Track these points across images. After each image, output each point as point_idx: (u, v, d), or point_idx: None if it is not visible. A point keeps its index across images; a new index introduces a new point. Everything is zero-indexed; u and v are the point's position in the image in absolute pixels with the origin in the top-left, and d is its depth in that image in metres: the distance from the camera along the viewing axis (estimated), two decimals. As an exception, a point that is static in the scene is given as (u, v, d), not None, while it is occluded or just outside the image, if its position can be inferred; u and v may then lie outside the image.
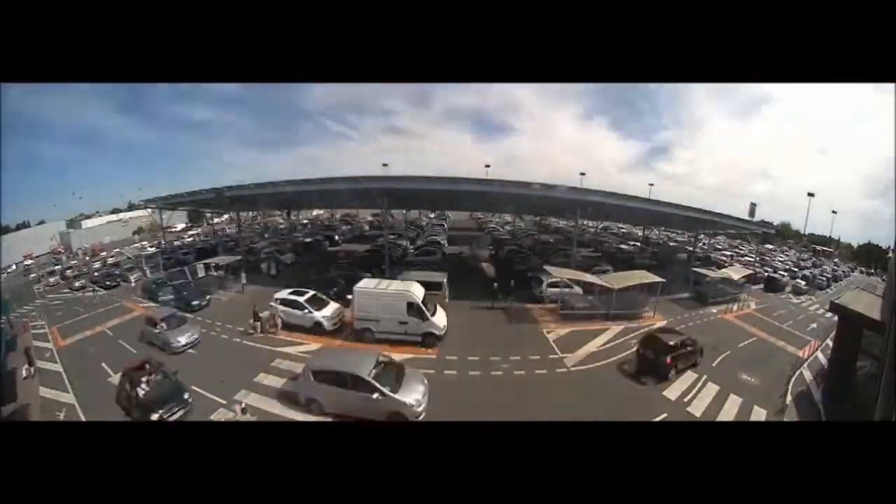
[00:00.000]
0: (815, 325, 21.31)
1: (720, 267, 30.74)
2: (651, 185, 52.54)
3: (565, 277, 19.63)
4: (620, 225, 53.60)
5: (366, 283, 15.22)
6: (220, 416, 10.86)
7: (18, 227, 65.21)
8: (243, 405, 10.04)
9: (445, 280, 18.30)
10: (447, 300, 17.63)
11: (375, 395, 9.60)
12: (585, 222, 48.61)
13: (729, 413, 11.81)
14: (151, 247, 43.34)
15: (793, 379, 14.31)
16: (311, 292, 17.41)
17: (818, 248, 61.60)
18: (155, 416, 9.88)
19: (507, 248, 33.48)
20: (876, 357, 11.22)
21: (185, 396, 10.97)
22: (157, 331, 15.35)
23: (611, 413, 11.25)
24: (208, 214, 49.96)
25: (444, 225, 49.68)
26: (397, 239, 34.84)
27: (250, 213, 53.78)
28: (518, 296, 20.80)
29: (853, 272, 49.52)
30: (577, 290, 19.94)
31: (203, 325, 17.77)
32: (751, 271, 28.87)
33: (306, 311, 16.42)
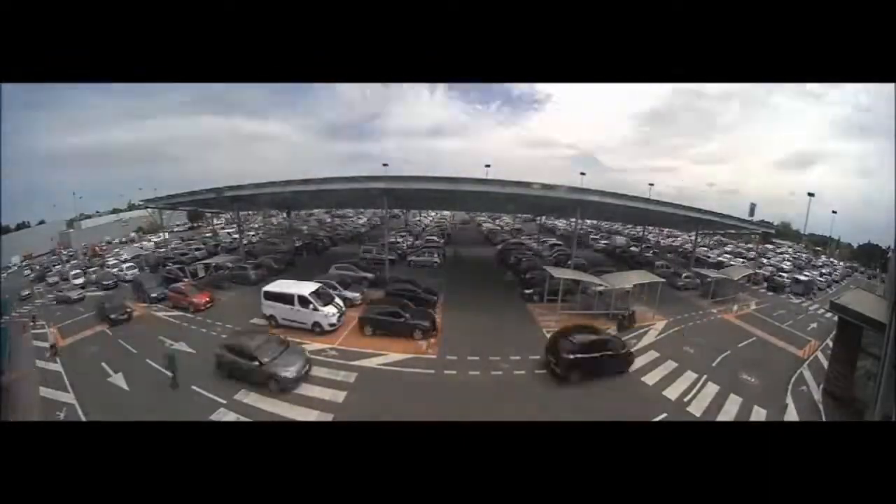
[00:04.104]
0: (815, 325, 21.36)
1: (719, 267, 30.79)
2: (651, 184, 52.13)
3: (565, 278, 19.64)
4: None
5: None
6: (220, 416, 10.88)
7: (18, 227, 65.34)
8: None
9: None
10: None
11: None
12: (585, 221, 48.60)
13: (729, 413, 11.82)
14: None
15: (793, 379, 14.33)
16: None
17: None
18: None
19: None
20: (876, 357, 11.23)
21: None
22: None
23: (610, 413, 11.26)
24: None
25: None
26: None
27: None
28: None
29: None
30: None
31: (202, 325, 17.81)
32: (751, 271, 28.87)
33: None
